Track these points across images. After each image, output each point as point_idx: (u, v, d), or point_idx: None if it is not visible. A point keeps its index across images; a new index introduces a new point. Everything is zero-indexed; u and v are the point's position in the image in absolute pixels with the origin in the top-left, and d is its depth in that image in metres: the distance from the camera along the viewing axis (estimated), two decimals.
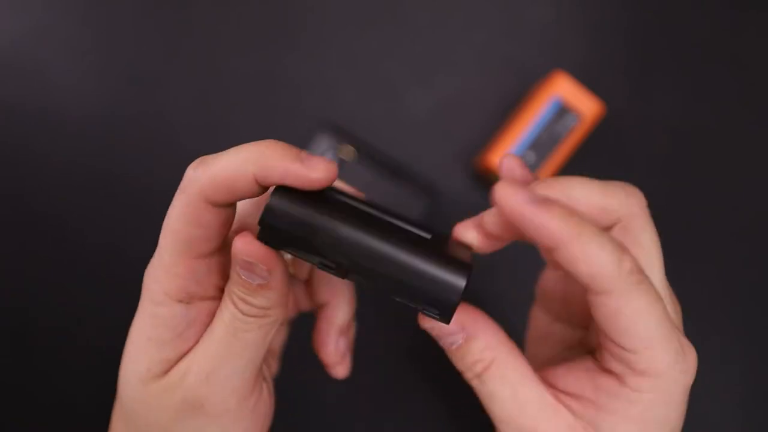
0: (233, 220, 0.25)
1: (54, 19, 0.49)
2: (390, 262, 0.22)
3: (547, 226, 0.20)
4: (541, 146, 0.42)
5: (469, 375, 0.26)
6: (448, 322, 0.22)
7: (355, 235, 0.22)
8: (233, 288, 0.24)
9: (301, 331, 0.49)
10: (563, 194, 0.23)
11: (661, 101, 0.49)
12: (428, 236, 0.24)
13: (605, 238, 0.20)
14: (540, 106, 0.42)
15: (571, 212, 0.21)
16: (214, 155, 0.23)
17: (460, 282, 0.22)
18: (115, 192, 0.49)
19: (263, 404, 0.26)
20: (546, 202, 0.21)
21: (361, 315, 0.49)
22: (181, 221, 0.23)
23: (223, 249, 0.25)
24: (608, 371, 0.23)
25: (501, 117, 0.49)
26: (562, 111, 0.41)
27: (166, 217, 0.23)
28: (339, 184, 0.30)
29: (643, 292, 0.21)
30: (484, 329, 0.25)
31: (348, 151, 0.38)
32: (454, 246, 0.24)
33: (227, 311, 0.24)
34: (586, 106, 0.41)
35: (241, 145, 0.22)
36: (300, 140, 0.49)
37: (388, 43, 0.49)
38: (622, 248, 0.21)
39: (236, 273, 0.23)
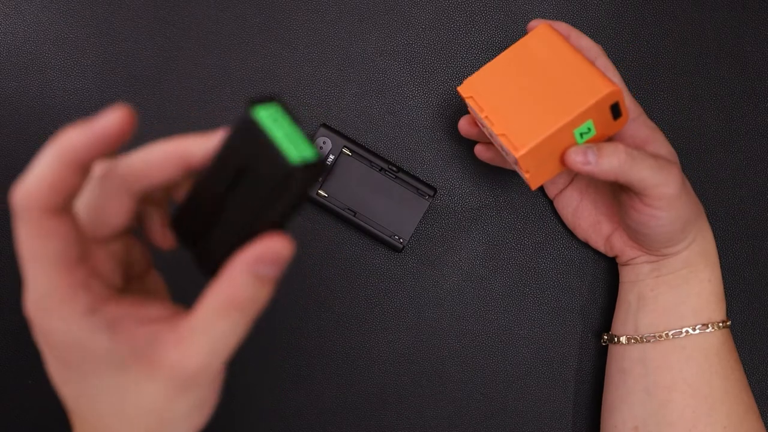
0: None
1: (53, 18, 0.49)
2: None
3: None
4: None
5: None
6: None
7: None
8: None
9: (302, 332, 0.49)
10: (573, 41, 0.42)
11: (661, 100, 0.49)
12: None
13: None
14: None
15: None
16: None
17: None
18: None
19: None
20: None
21: (361, 316, 0.49)
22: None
23: None
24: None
25: None
26: None
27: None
28: None
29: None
30: None
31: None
32: None
33: None
34: None
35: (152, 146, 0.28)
36: None
37: (388, 43, 0.49)
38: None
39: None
